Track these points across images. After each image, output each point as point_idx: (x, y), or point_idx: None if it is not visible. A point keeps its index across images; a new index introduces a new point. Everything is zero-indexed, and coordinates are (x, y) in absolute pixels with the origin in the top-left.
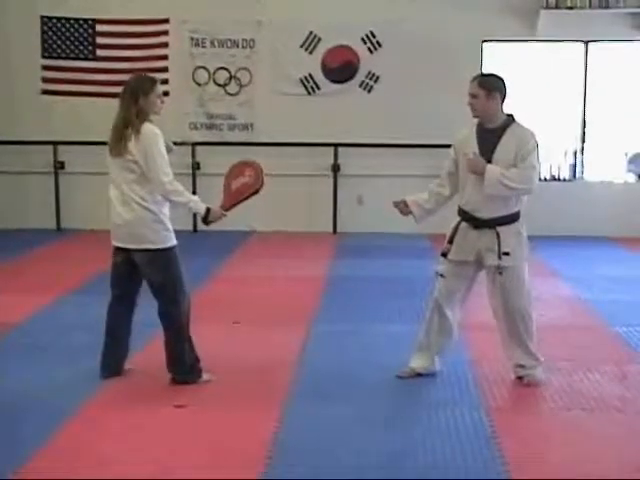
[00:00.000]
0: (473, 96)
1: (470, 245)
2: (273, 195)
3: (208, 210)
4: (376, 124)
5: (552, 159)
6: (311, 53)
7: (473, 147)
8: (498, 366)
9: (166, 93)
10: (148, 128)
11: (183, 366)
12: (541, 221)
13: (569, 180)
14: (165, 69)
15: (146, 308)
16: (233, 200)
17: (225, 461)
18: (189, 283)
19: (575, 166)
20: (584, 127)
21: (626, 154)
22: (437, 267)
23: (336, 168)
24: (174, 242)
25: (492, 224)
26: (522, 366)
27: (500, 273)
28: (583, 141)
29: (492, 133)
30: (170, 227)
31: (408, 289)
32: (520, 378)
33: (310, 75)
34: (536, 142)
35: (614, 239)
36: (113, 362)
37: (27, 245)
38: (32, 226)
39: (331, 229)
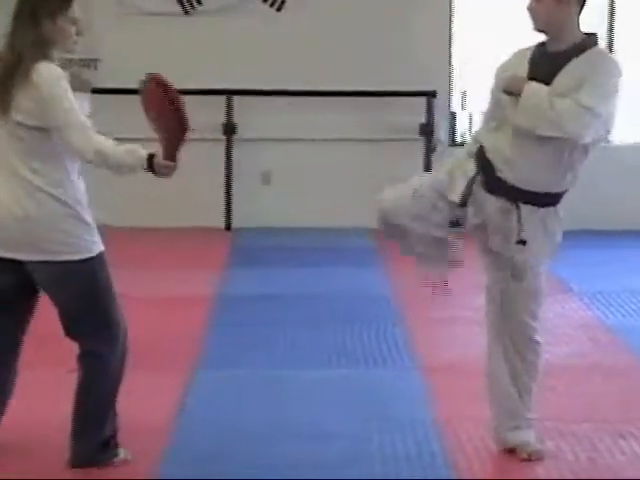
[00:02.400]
0: None
1: (477, 208)
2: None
3: (151, 158)
4: (290, 62)
5: None
6: None
7: (521, 73)
8: (477, 427)
9: None
10: (45, 68)
11: (95, 440)
12: None
13: None
14: None
15: None
16: (166, 144)
17: None
18: None
19: None
20: None
21: None
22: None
23: (230, 129)
24: (100, 247)
25: (514, 196)
26: (516, 428)
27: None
28: None
29: (557, 57)
30: (91, 223)
31: (338, 315)
32: (511, 450)
33: None
34: (617, 76)
35: None
36: None
37: None
38: None
39: (222, 223)
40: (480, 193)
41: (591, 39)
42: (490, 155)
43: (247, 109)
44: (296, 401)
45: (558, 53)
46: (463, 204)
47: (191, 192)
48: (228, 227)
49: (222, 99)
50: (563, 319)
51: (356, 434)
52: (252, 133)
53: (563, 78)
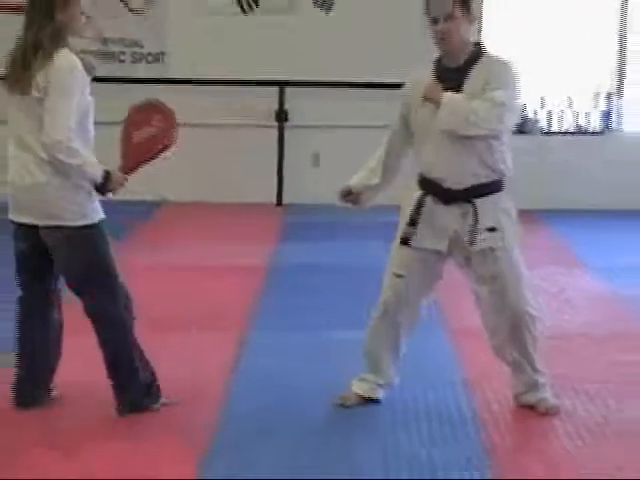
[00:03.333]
0: (449, 19)
1: (442, 227)
2: (192, 153)
3: (108, 175)
4: (338, 56)
5: (576, 103)
6: None
7: None
8: (501, 386)
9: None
10: (65, 57)
11: (136, 386)
12: (558, 189)
13: (599, 133)
14: None
15: None
16: (136, 159)
17: None
18: None
19: (609, 114)
20: (623, 60)
21: None
22: (391, 262)
23: (282, 116)
24: (100, 215)
25: (467, 196)
26: (532, 389)
27: (491, 253)
28: (621, 79)
29: (459, 70)
30: (94, 194)
31: (378, 284)
32: (531, 407)
33: None
34: (515, 75)
35: None
36: (31, 387)
37: None
38: None
39: (274, 199)
40: (436, 213)
41: (480, 47)
42: (431, 175)
43: (298, 98)
44: (334, 362)
45: (458, 67)
46: (413, 223)
47: (246, 172)
48: (279, 204)
49: (275, 89)
50: (580, 292)
51: (389, 394)
52: (302, 120)
53: (469, 85)
